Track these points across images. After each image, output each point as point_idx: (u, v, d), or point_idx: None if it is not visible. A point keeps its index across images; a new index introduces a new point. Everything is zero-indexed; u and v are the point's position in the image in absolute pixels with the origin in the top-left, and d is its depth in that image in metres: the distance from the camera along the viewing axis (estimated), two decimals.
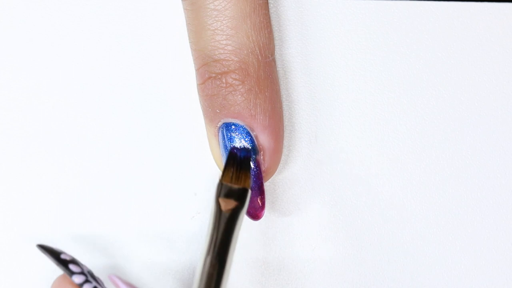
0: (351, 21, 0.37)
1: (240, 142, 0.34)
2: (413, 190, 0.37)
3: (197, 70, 0.34)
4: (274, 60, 0.35)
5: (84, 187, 0.37)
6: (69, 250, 0.36)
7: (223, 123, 0.34)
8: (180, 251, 0.37)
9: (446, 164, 0.37)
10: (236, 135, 0.34)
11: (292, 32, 0.37)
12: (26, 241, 0.37)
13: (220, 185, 0.33)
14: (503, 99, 0.37)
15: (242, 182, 0.33)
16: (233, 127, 0.34)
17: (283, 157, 0.37)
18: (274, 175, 0.36)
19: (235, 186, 0.33)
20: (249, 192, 0.33)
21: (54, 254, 0.34)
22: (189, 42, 0.34)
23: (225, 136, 0.34)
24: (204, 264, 0.31)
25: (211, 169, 0.37)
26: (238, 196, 0.33)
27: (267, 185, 0.37)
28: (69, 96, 0.37)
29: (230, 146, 0.34)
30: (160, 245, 0.37)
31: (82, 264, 0.34)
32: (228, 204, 0.32)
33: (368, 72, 0.37)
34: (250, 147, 0.34)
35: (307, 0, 0.37)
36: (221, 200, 0.33)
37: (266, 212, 0.37)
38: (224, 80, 0.33)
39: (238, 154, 0.34)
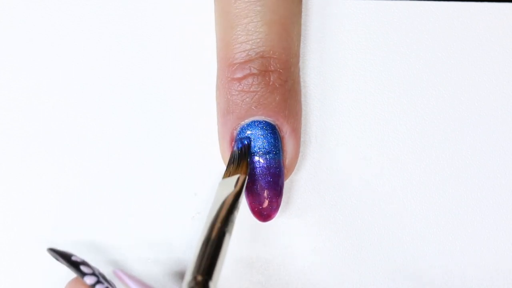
0: (351, 21, 0.37)
1: (269, 140, 0.34)
2: (413, 190, 0.37)
3: (237, 64, 0.33)
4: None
5: (83, 187, 0.37)
6: (65, 250, 0.36)
7: (252, 121, 0.34)
8: (180, 251, 0.37)
9: (446, 164, 0.37)
10: (266, 133, 0.34)
11: None
12: (27, 245, 0.37)
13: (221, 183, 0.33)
14: (503, 99, 0.37)
15: (239, 170, 0.33)
16: (263, 125, 0.34)
17: None
18: None
19: (231, 177, 0.33)
20: (242, 177, 0.33)
21: (65, 256, 0.34)
22: (228, 36, 0.34)
23: (253, 134, 0.34)
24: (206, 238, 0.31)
25: (211, 169, 0.37)
26: (234, 185, 0.33)
27: None
28: (69, 96, 0.37)
29: (256, 144, 0.34)
30: (160, 245, 0.37)
31: (92, 266, 0.34)
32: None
33: (368, 72, 0.37)
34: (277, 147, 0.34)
35: (307, 0, 0.37)
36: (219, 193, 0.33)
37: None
38: (268, 78, 0.33)
39: (236, 147, 0.34)
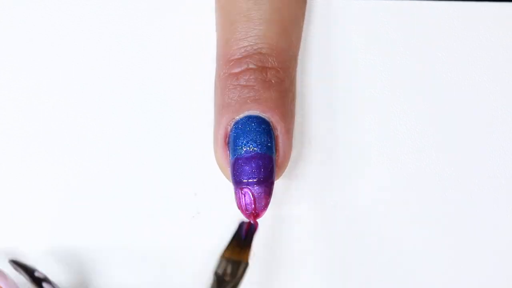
0: (351, 21, 0.37)
1: (261, 136, 0.33)
2: (413, 190, 0.37)
3: (236, 59, 0.33)
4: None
5: (84, 187, 0.37)
6: (67, 246, 0.36)
7: (247, 115, 0.33)
8: (180, 251, 0.37)
9: (447, 163, 0.37)
10: (260, 128, 0.33)
11: None
12: (27, 245, 0.37)
13: (221, 260, 0.32)
14: (503, 99, 0.37)
15: (243, 255, 0.33)
16: (258, 120, 0.33)
17: None
18: None
19: (235, 260, 0.32)
20: (248, 266, 0.33)
21: (27, 270, 0.33)
22: (229, 32, 0.34)
23: (245, 128, 0.33)
24: None
25: (211, 169, 0.37)
26: (236, 270, 0.32)
27: None
28: (69, 96, 0.37)
29: (248, 138, 0.33)
30: (160, 245, 0.37)
31: (54, 284, 0.33)
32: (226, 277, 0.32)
33: (368, 72, 0.37)
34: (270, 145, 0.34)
35: (310, 1, 0.37)
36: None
37: (266, 212, 0.37)
38: (265, 74, 0.33)
39: (245, 229, 0.33)
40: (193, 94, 0.37)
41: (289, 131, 0.34)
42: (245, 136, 0.33)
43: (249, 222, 0.33)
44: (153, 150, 0.37)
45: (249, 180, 0.33)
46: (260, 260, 0.37)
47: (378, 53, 0.37)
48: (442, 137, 0.37)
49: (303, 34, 0.37)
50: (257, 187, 0.33)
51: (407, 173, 0.37)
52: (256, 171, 0.33)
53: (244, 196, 0.33)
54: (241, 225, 0.33)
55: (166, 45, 0.37)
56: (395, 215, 0.37)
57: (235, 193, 0.34)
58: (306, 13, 0.37)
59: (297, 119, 0.37)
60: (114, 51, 0.37)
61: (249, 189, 0.33)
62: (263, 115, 0.33)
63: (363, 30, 0.37)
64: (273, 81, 0.33)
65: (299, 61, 0.37)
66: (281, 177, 0.37)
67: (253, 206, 0.33)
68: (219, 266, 0.32)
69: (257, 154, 0.33)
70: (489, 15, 0.37)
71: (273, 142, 0.34)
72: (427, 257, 0.37)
